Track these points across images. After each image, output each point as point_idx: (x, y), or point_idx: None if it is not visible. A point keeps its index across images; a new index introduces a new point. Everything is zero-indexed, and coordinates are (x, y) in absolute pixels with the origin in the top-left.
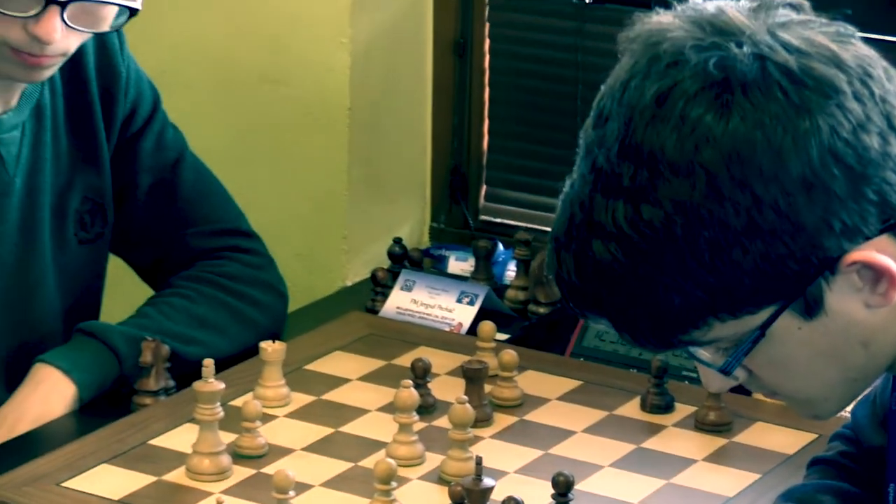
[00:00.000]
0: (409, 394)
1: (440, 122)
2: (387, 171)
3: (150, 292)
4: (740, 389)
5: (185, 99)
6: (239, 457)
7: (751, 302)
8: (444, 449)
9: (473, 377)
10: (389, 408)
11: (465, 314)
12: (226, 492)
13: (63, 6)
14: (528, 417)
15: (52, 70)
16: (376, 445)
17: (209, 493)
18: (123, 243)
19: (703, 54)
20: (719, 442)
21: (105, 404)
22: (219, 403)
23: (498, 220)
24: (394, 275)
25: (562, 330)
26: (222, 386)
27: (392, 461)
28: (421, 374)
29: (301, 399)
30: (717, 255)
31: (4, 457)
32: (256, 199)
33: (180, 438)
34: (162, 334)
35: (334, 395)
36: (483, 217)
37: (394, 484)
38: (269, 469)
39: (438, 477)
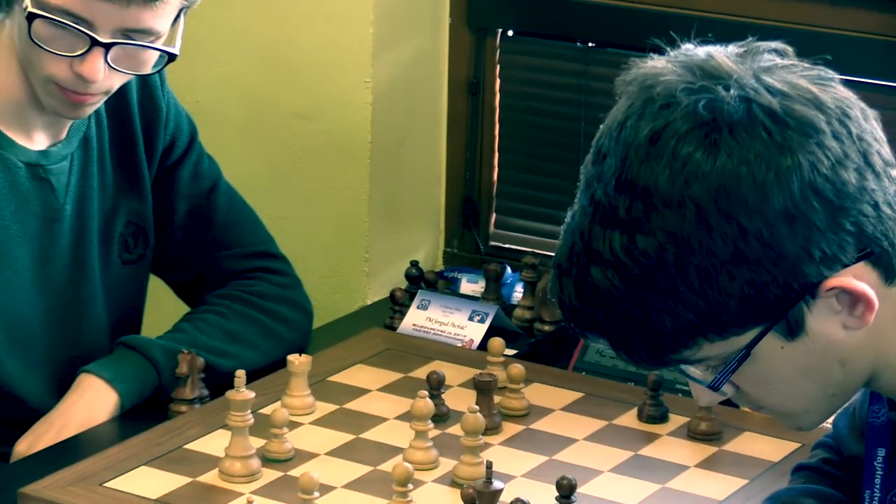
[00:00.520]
0: (425, 403)
1: (454, 156)
2: (405, 199)
3: (186, 309)
4: (729, 402)
5: (221, 131)
6: (268, 460)
7: (737, 324)
8: (456, 454)
9: (484, 389)
10: (406, 416)
11: (476, 331)
12: (255, 492)
13: (107, 48)
14: (534, 426)
15: (94, 107)
16: (394, 451)
17: (240, 494)
18: (163, 264)
19: (694, 97)
20: (710, 450)
21: (145, 411)
22: (249, 411)
23: (506, 245)
24: (411, 295)
25: (565, 346)
26: (253, 395)
27: (409, 465)
28: (435, 386)
29: (325, 408)
30: (706, 281)
31: (52, 459)
32: (285, 224)
33: (214, 443)
34: (197, 347)
35: (355, 405)
36: (493, 243)
37: (410, 486)
38: (295, 472)
39: (451, 480)
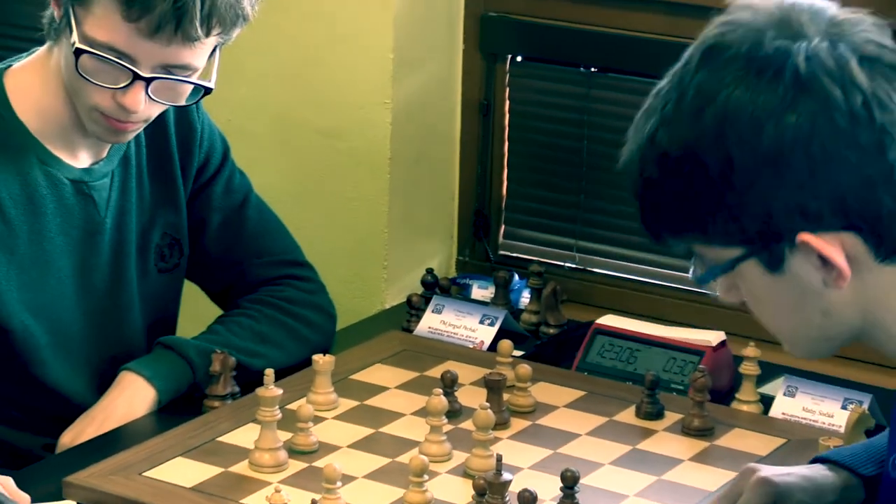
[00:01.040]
0: (440, 400)
1: (466, 172)
2: (421, 212)
3: (218, 312)
4: (719, 400)
5: (252, 148)
6: (294, 452)
7: (720, 239)
8: (469, 448)
9: (494, 387)
10: (422, 412)
11: (486, 334)
12: (283, 482)
13: (148, 82)
14: (540, 422)
15: (134, 133)
16: (411, 444)
17: (268, 483)
18: (198, 272)
19: (758, 35)
20: (702, 445)
21: (180, 406)
22: (277, 407)
23: (514, 254)
24: (426, 300)
25: (569, 348)
26: (280, 392)
27: (424, 457)
28: (449, 384)
29: (347, 404)
30: (700, 191)
31: (94, 450)
32: (311, 234)
33: (244, 436)
34: (229, 348)
35: (375, 401)
36: (502, 252)
37: (426, 477)
38: (319, 463)
39: (464, 472)
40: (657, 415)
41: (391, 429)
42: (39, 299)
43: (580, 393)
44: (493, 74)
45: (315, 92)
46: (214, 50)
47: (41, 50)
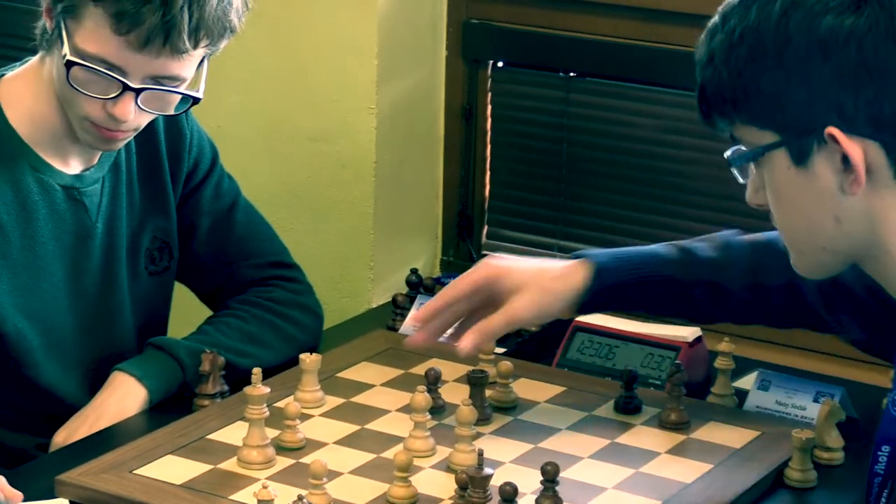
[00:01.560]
0: (424, 397)
1: (450, 174)
2: (406, 213)
3: (208, 313)
4: (695, 394)
5: (240, 153)
6: (281, 449)
7: (760, 120)
8: (451, 443)
9: (476, 383)
10: (406, 409)
11: None
12: (270, 478)
13: (137, 92)
14: (521, 417)
15: (124, 142)
16: (395, 440)
17: (256, 480)
18: (188, 274)
19: None
20: (679, 438)
21: (171, 405)
22: (265, 405)
23: (497, 254)
24: (411, 299)
25: (549, 345)
26: (268, 390)
27: (409, 453)
28: (433, 381)
29: (333, 401)
30: (750, 61)
31: (87, 448)
32: (298, 236)
33: (233, 434)
34: (219, 348)
35: (360, 398)
36: (485, 252)
37: (410, 472)
38: (306, 459)
39: (447, 466)
40: (635, 409)
41: (376, 425)
42: (32, 303)
43: (560, 389)
44: (476, 79)
45: (302, 98)
46: (202, 60)
47: (34, 59)
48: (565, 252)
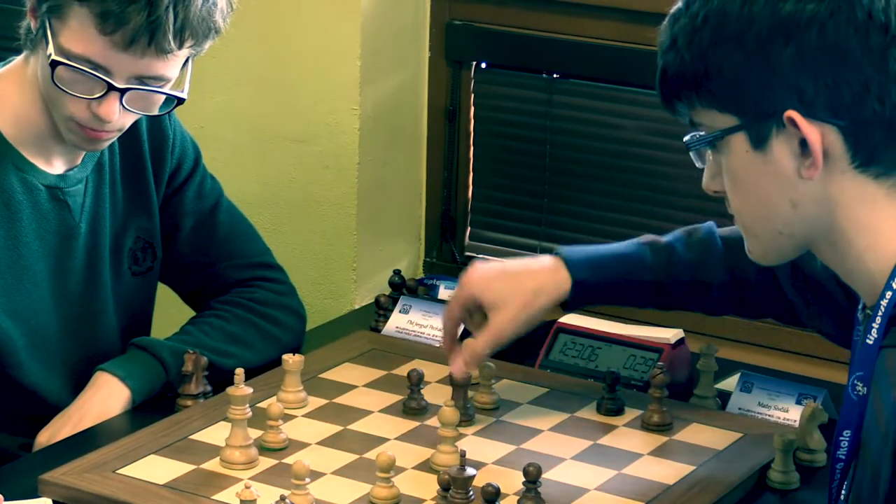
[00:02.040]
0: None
1: (433, 176)
2: (389, 214)
3: (191, 314)
4: (678, 396)
5: (223, 154)
6: (264, 449)
7: (721, 102)
8: (434, 444)
9: (459, 385)
10: (389, 410)
11: None
12: (253, 478)
13: (122, 92)
14: (504, 418)
15: (108, 142)
16: (378, 440)
17: (239, 480)
18: (171, 274)
19: None
20: (661, 439)
21: (154, 405)
22: (248, 405)
23: (480, 255)
24: (394, 300)
25: (532, 346)
26: (251, 391)
27: (391, 453)
28: (415, 382)
29: (316, 402)
30: (711, 45)
31: (70, 448)
32: (281, 237)
33: (215, 434)
34: (201, 348)
35: (343, 399)
36: (468, 253)
37: (392, 472)
38: (289, 459)
39: (430, 467)
40: (617, 411)
41: (359, 426)
42: (16, 303)
43: (543, 390)
44: (459, 81)
45: (285, 99)
46: (187, 61)
47: (18, 59)
48: (547, 253)
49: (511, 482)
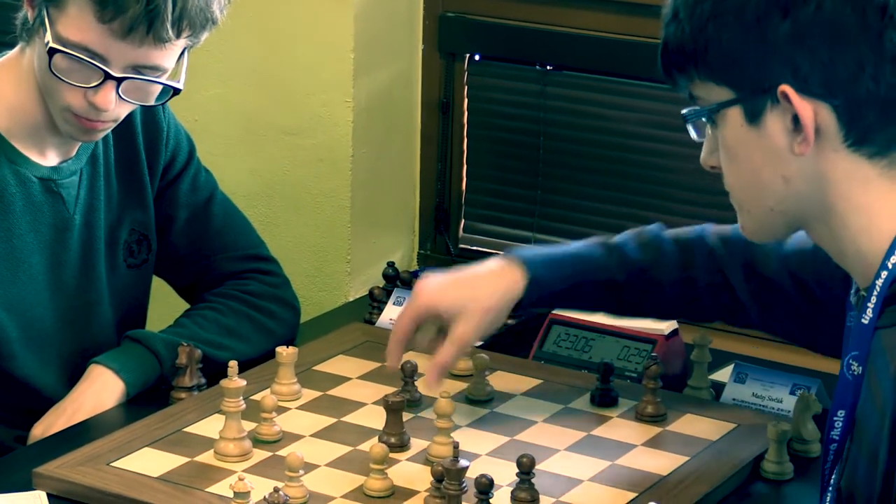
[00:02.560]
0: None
1: (427, 168)
2: (383, 207)
3: (185, 306)
4: (672, 387)
5: (217, 146)
6: (258, 441)
7: (718, 75)
8: (429, 435)
9: (394, 409)
10: (383, 402)
11: None
12: (247, 471)
13: (119, 82)
14: (497, 409)
15: (104, 132)
16: (372, 432)
17: (233, 472)
18: (165, 267)
19: None
20: (655, 430)
21: (148, 398)
22: (242, 397)
23: (474, 247)
24: (388, 292)
25: (526, 338)
26: (245, 383)
27: (385, 446)
28: (409, 374)
29: (310, 394)
30: (713, 19)
31: (64, 441)
32: (275, 229)
33: (209, 426)
34: (196, 341)
35: (337, 391)
36: (462, 245)
37: (386, 464)
38: (283, 452)
39: (424, 458)
40: (611, 402)
41: (353, 418)
42: (10, 295)
43: (537, 381)
44: (452, 73)
45: (278, 91)
46: (183, 52)
47: (13, 51)
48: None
49: (505, 473)
